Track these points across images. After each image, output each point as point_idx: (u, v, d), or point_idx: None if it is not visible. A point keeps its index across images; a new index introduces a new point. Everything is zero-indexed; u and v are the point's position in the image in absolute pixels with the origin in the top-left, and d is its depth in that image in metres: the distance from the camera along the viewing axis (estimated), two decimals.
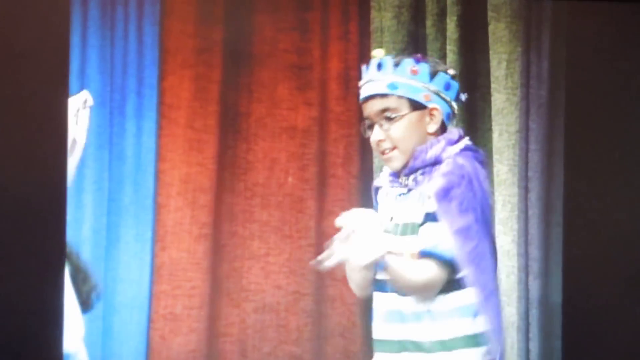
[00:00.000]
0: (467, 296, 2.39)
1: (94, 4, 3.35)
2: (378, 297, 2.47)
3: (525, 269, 3.30)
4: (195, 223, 3.44)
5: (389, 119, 2.44)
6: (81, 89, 3.33)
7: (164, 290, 3.41)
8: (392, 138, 2.44)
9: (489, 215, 2.45)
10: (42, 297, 2.37)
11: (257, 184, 3.48)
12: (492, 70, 3.30)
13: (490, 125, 3.32)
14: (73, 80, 3.07)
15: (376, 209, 2.54)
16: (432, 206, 2.37)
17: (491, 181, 3.30)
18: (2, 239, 2.37)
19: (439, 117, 2.45)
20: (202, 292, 3.42)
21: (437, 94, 2.45)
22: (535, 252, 3.27)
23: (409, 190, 2.44)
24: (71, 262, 2.62)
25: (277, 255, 3.42)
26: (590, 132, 2.80)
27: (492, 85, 3.30)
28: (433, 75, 2.44)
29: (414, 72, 2.43)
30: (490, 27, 3.28)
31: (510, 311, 3.28)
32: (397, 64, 2.45)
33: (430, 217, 2.37)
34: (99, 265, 3.33)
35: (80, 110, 2.61)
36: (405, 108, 2.43)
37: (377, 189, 2.59)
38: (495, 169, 3.30)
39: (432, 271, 2.35)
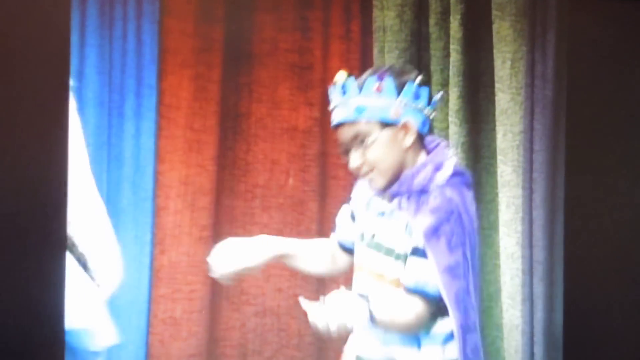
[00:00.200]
0: (445, 324, 2.41)
1: (93, 3, 3.33)
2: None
3: (529, 272, 3.28)
4: (195, 225, 3.44)
5: (363, 142, 2.39)
6: (79, 88, 3.38)
7: (163, 294, 3.41)
8: (369, 162, 2.40)
9: (476, 240, 2.46)
10: (43, 296, 2.36)
11: (257, 185, 3.48)
12: (496, 69, 3.28)
13: (494, 126, 3.30)
14: (72, 79, 3.05)
15: (350, 215, 2.55)
16: (420, 242, 2.35)
17: (495, 182, 3.29)
18: (2, 238, 2.35)
19: (412, 129, 2.40)
20: (202, 296, 3.43)
21: (407, 106, 2.39)
22: (539, 254, 3.25)
23: (392, 211, 2.41)
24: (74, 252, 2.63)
25: None
26: (593, 132, 2.78)
27: (496, 85, 3.28)
28: (399, 87, 2.38)
29: (379, 90, 2.37)
30: (495, 26, 3.26)
31: (514, 314, 3.27)
32: (360, 86, 2.39)
33: (419, 253, 2.35)
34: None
35: None
36: (376, 130, 2.37)
37: (351, 197, 2.59)
38: (499, 170, 3.29)
39: (418, 309, 2.36)
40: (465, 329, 2.38)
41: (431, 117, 2.47)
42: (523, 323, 3.27)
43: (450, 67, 3.30)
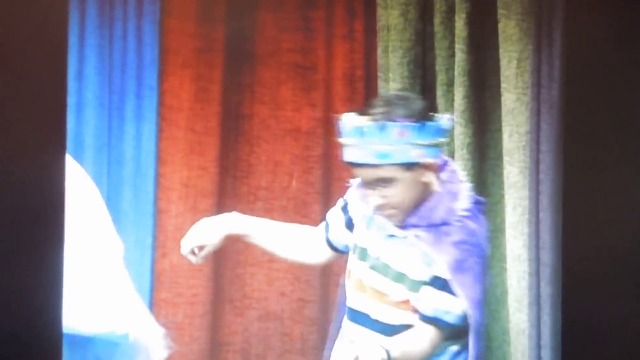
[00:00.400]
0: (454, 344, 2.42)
1: (92, 2, 3.34)
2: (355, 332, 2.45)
3: (536, 275, 3.24)
4: None
5: (384, 183, 2.35)
6: (79, 90, 3.39)
7: (165, 298, 3.42)
8: (391, 203, 2.36)
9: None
10: (42, 296, 2.35)
11: (260, 187, 3.48)
12: (502, 69, 3.25)
13: (500, 126, 3.27)
14: (71, 81, 3.08)
15: (344, 221, 2.52)
16: (442, 273, 2.33)
17: (501, 184, 3.29)
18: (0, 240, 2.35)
19: (434, 166, 2.36)
20: (204, 300, 3.43)
21: (428, 146, 2.36)
22: (546, 256, 3.21)
23: (405, 237, 2.38)
24: None
25: (281, 261, 3.35)
26: (593, 133, 2.77)
27: (502, 85, 3.25)
28: (421, 128, 2.34)
29: (401, 135, 2.32)
30: (500, 25, 3.22)
31: (521, 318, 3.24)
32: (381, 129, 2.33)
33: (439, 283, 2.33)
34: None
35: None
36: (399, 173, 2.33)
37: (347, 204, 2.55)
38: (505, 171, 3.26)
39: (433, 337, 2.36)
40: (479, 358, 2.42)
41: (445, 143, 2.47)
42: (530, 327, 3.23)
43: (456, 67, 3.26)
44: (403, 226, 2.38)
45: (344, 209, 2.55)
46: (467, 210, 2.38)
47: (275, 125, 3.45)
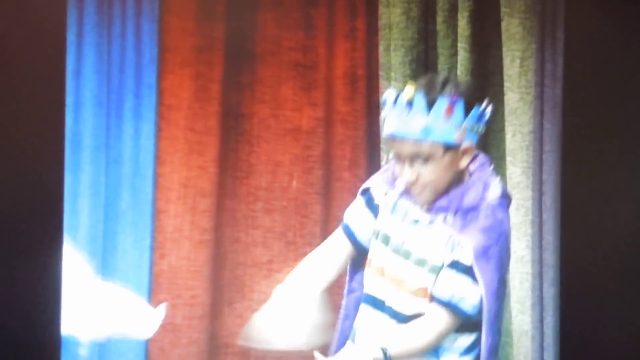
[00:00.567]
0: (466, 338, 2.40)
1: (90, 0, 3.31)
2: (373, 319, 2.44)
3: (539, 276, 3.24)
4: (196, 229, 3.42)
5: (422, 160, 2.36)
6: (77, 88, 3.38)
7: (163, 300, 3.38)
8: (424, 181, 2.36)
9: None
10: (41, 297, 2.36)
11: (259, 187, 3.46)
12: (505, 68, 3.25)
13: (503, 126, 3.27)
14: (69, 79, 3.05)
15: (370, 208, 2.50)
16: (465, 258, 2.32)
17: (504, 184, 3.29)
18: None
19: (472, 152, 2.38)
20: (202, 302, 3.42)
21: (470, 130, 2.37)
22: (550, 258, 3.21)
23: (431, 222, 2.39)
24: None
25: (281, 262, 3.37)
26: (596, 132, 2.77)
27: (505, 84, 3.25)
28: (467, 111, 2.36)
29: (449, 113, 2.33)
30: (504, 24, 3.22)
31: (524, 319, 3.24)
32: (430, 104, 2.34)
33: (459, 267, 2.32)
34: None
35: None
36: (439, 152, 2.34)
37: (368, 189, 2.54)
38: (508, 172, 3.26)
39: (443, 326, 2.34)
40: (492, 351, 2.37)
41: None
42: (533, 329, 3.24)
43: (458, 66, 3.26)
44: (430, 210, 2.38)
45: (366, 195, 2.53)
46: (497, 200, 2.38)
47: (275, 124, 3.43)
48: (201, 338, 3.40)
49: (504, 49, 3.23)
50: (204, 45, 3.37)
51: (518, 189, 3.23)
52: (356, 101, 3.41)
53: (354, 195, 2.60)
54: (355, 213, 2.53)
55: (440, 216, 2.36)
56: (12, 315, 2.37)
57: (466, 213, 2.35)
